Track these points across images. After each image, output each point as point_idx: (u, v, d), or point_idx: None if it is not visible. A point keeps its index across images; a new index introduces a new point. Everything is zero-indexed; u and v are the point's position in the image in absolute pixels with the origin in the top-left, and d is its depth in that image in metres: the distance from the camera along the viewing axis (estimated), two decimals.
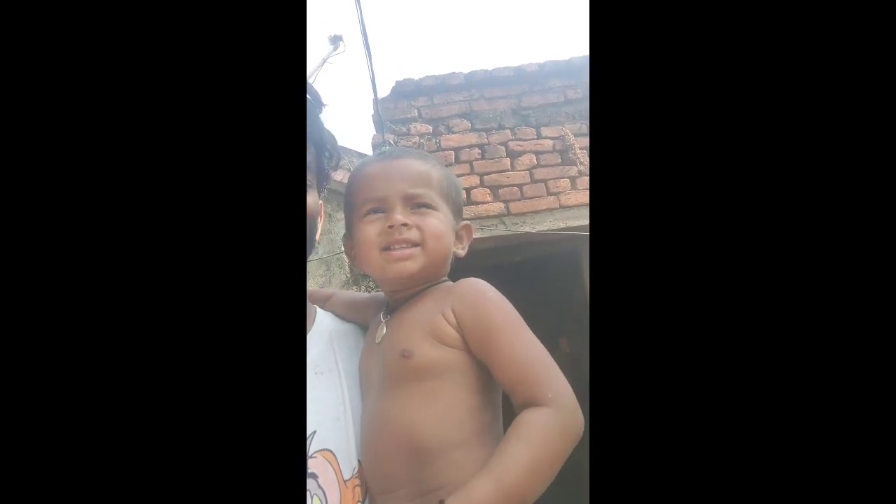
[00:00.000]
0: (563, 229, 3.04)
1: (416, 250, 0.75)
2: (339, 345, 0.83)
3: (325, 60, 4.03)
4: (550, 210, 3.08)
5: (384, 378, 0.73)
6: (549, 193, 3.10)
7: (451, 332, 0.71)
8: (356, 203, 0.79)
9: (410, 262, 0.75)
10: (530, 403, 0.64)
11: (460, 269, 0.82)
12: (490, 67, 3.29)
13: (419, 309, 0.75)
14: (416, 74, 3.31)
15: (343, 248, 0.85)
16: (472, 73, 3.27)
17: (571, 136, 3.13)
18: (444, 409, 0.68)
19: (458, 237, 0.82)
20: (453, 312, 0.72)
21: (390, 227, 0.74)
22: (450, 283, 0.81)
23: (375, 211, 0.77)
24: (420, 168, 0.79)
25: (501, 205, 3.06)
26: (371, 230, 0.76)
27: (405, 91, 3.23)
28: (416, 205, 0.76)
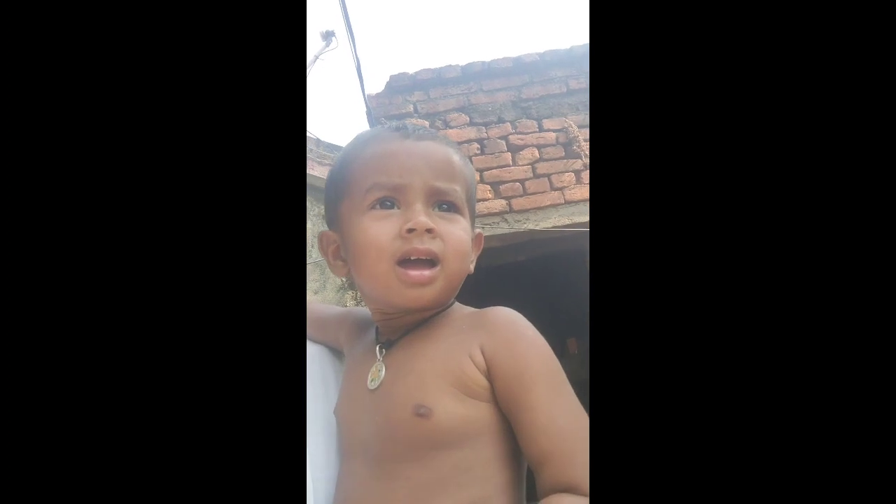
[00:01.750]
0: (568, 226, 2.90)
1: (436, 272, 0.56)
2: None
3: (317, 57, 3.92)
4: (555, 206, 2.94)
5: (386, 441, 0.54)
6: (553, 188, 2.96)
7: (481, 381, 0.53)
8: (355, 188, 0.58)
9: (429, 290, 0.56)
10: (562, 488, 0.48)
11: None
12: (488, 59, 3.17)
13: (433, 345, 0.57)
14: (412, 68, 3.18)
15: (318, 244, 0.66)
16: (470, 65, 3.13)
17: (575, 127, 2.99)
18: None
19: (472, 246, 0.63)
20: (483, 353, 0.54)
21: (410, 230, 0.54)
22: (467, 309, 0.62)
23: (386, 204, 0.56)
24: (449, 157, 0.59)
25: (503, 201, 2.92)
26: (381, 230, 0.55)
27: (400, 86, 3.10)
28: (442, 204, 0.58)
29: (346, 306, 2.71)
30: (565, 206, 2.95)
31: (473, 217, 0.64)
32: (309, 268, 2.76)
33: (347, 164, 0.62)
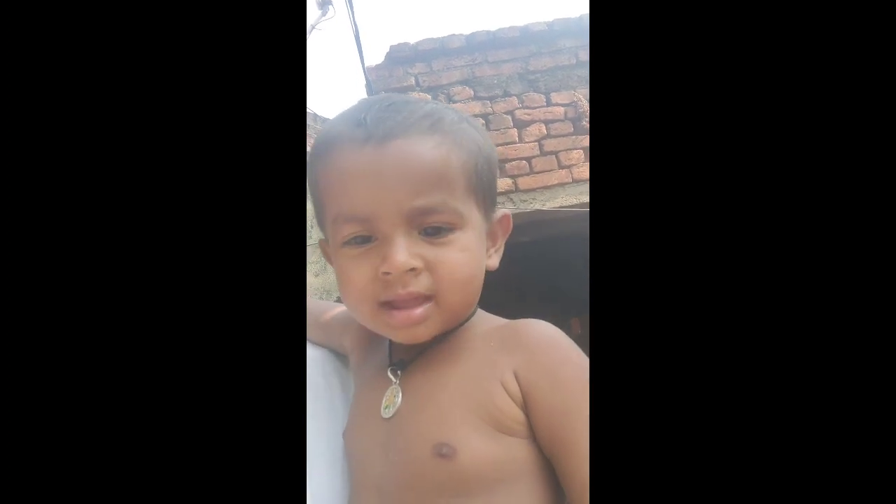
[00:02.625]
0: (576, 206, 2.81)
1: (428, 309, 0.47)
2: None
3: (313, 27, 3.75)
4: (562, 185, 2.84)
5: (402, 485, 0.46)
6: (561, 166, 2.86)
7: (516, 414, 0.45)
8: (324, 211, 0.49)
9: (423, 328, 0.48)
10: None
11: None
12: (493, 28, 3.01)
13: (456, 369, 0.49)
14: (413, 38, 3.02)
15: (321, 251, 0.58)
16: (474, 35, 2.99)
17: (584, 101, 2.86)
18: None
19: (492, 237, 0.52)
20: (518, 380, 0.46)
21: (387, 273, 0.45)
22: (493, 318, 0.52)
23: (358, 239, 0.47)
24: (430, 154, 0.46)
25: (509, 180, 2.82)
26: (356, 272, 0.47)
27: (400, 57, 2.96)
28: (428, 226, 0.46)
29: None
30: (573, 184, 2.85)
31: (490, 200, 0.51)
32: (309, 249, 2.67)
33: (311, 175, 0.50)
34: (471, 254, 0.48)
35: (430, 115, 0.48)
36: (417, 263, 0.46)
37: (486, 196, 0.51)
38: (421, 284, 0.46)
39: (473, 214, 0.49)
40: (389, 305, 0.47)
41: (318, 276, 2.65)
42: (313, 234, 2.81)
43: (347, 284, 0.49)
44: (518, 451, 0.45)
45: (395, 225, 0.45)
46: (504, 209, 0.55)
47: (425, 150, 0.46)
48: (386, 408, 0.50)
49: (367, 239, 0.47)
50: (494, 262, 0.52)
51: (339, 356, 0.66)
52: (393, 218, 0.45)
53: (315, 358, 0.63)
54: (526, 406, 0.45)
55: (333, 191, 0.48)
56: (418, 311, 0.47)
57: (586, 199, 2.80)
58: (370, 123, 0.46)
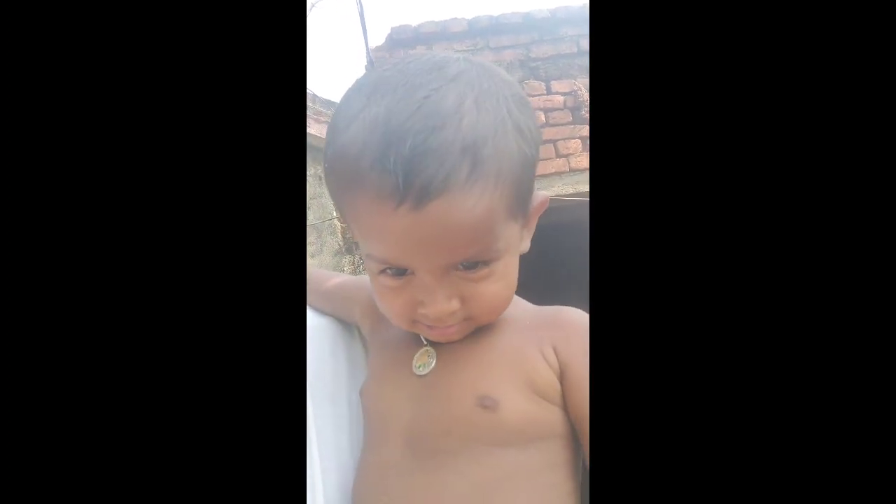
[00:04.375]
0: (573, 195, 2.83)
1: (465, 324, 0.50)
2: (308, 352, 0.57)
3: (313, 5, 3.71)
4: (559, 174, 2.85)
5: (440, 433, 0.48)
6: (559, 155, 2.87)
7: (553, 380, 0.49)
8: (356, 235, 0.48)
9: (457, 336, 0.51)
10: None
11: None
12: (496, 13, 2.99)
13: (495, 337, 0.51)
14: (414, 20, 3.00)
15: (335, 216, 0.58)
16: (476, 20, 2.97)
17: (584, 91, 2.86)
18: None
19: (527, 225, 0.50)
20: (556, 354, 0.49)
21: (426, 314, 0.47)
22: (527, 304, 0.55)
23: (395, 271, 0.46)
24: (472, 213, 0.41)
25: None
26: (395, 301, 0.48)
27: (402, 39, 2.94)
28: (466, 261, 0.45)
29: (343, 271, 2.64)
30: (570, 174, 2.86)
31: (530, 197, 0.48)
32: (307, 230, 2.67)
33: (332, 191, 0.47)
34: (507, 280, 0.48)
35: (471, 145, 0.40)
36: (456, 306, 0.46)
37: (525, 201, 0.47)
38: (458, 318, 0.48)
39: (512, 236, 0.47)
40: (427, 326, 0.50)
41: (314, 258, 2.66)
42: (309, 216, 2.81)
43: (386, 306, 0.50)
44: (552, 415, 0.49)
45: (435, 276, 0.45)
46: (543, 192, 0.51)
47: (468, 207, 0.40)
48: (419, 366, 0.52)
49: (403, 271, 0.46)
50: (526, 245, 0.51)
51: (345, 325, 0.67)
52: (434, 271, 0.44)
53: (320, 325, 0.64)
54: (562, 376, 0.49)
55: (365, 233, 0.45)
56: (454, 328, 0.49)
57: (583, 188, 2.81)
58: (401, 177, 0.39)
